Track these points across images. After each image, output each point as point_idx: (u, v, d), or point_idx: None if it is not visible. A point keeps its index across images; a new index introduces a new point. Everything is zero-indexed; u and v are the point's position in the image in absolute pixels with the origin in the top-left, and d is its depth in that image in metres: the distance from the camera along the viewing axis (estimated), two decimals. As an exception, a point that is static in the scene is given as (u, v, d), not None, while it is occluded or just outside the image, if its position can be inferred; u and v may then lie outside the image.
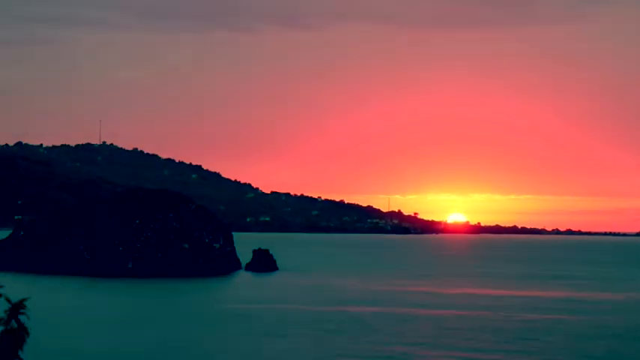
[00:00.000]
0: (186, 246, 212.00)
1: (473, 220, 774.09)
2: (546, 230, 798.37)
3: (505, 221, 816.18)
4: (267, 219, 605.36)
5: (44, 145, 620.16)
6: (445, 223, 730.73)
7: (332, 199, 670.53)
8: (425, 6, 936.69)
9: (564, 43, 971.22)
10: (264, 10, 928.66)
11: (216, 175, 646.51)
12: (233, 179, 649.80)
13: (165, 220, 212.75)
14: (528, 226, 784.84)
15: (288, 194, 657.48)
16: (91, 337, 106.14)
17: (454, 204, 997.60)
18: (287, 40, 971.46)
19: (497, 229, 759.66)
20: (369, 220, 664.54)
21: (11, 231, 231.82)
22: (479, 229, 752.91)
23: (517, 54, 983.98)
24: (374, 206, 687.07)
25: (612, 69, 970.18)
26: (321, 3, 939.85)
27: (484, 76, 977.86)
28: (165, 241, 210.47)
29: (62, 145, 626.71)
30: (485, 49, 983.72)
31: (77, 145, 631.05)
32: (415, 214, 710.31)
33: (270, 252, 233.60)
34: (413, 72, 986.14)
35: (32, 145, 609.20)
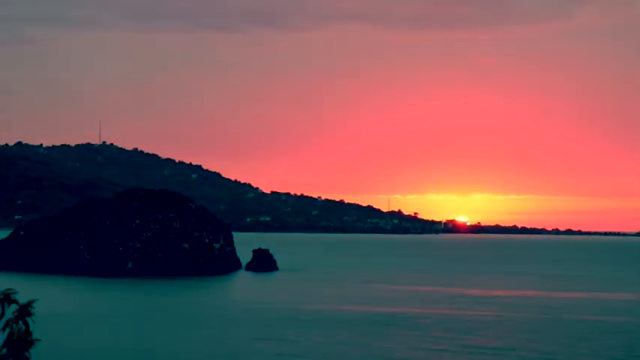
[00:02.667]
0: (186, 246, 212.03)
1: (473, 220, 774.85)
2: (546, 230, 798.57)
3: (505, 221, 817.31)
4: (267, 219, 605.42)
5: (44, 145, 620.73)
6: (445, 223, 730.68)
7: (332, 199, 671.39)
8: (414, 6, 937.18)
9: (561, 42, 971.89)
10: (260, 11, 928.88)
11: (216, 175, 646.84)
12: (233, 179, 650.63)
13: (165, 220, 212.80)
14: (528, 226, 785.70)
15: (288, 194, 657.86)
16: (91, 337, 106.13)
17: (454, 204, 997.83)
18: (287, 41, 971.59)
19: (497, 229, 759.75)
20: (369, 220, 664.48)
21: (11, 231, 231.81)
22: (479, 229, 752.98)
23: (517, 54, 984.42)
24: (374, 206, 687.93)
25: (612, 68, 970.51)
26: (306, 4, 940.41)
27: (483, 76, 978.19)
28: (165, 241, 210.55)
29: (62, 145, 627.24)
30: (487, 48, 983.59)
31: (77, 145, 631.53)
32: (415, 214, 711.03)
33: (270, 252, 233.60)
34: (412, 72, 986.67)
35: (32, 145, 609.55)
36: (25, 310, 19.48)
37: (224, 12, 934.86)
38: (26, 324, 19.80)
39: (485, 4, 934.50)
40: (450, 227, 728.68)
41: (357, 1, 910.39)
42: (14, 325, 19.70)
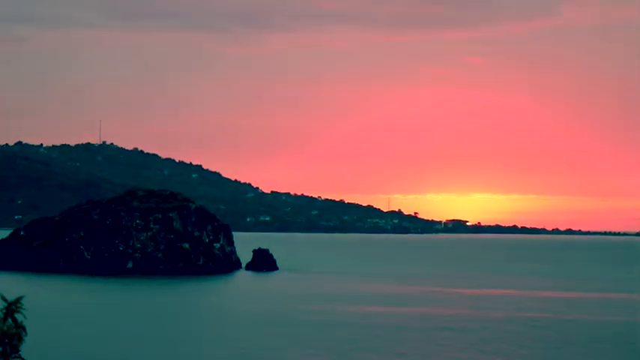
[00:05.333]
0: (186, 246, 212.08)
1: (473, 220, 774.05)
2: (546, 230, 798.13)
3: (505, 221, 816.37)
4: (267, 219, 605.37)
5: (44, 145, 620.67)
6: (445, 223, 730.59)
7: (332, 199, 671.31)
8: (398, 6, 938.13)
9: (548, 41, 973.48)
10: (247, 11, 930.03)
11: (217, 175, 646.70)
12: (233, 179, 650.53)
13: (165, 220, 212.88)
14: (528, 226, 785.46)
15: (288, 194, 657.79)
16: (91, 337, 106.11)
17: (454, 204, 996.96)
18: (281, 41, 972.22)
19: (497, 229, 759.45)
20: (369, 220, 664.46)
21: (11, 231, 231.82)
22: (479, 229, 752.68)
23: (505, 53, 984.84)
24: (374, 206, 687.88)
25: (610, 67, 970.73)
26: (291, 4, 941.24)
27: (474, 76, 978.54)
28: (165, 241, 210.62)
29: (62, 145, 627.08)
30: (475, 47, 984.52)
31: (77, 145, 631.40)
32: (415, 213, 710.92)
33: (270, 252, 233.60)
34: (411, 71, 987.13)
35: (32, 145, 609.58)
36: (12, 307, 19.48)
37: (213, 12, 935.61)
38: (15, 320, 19.81)
39: (467, 3, 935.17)
40: (450, 227, 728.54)
41: (344, 1, 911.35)
42: (2, 322, 19.72)
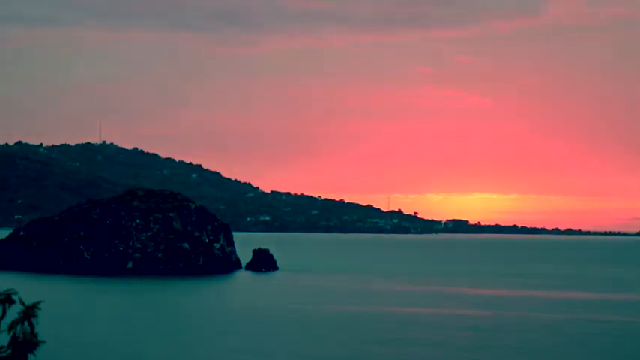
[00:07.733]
0: (186, 246, 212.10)
1: (473, 220, 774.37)
2: (546, 230, 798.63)
3: (505, 221, 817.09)
4: (267, 219, 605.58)
5: (44, 145, 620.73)
6: (445, 223, 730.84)
7: (332, 198, 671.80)
8: (387, 6, 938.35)
9: (534, 40, 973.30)
10: (230, 11, 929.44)
11: (217, 175, 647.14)
12: (233, 179, 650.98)
13: (165, 220, 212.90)
14: (528, 226, 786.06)
15: (288, 194, 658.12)
16: (91, 338, 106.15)
17: (454, 204, 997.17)
18: (285, 42, 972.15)
19: (497, 229, 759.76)
20: (369, 220, 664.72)
21: (11, 231, 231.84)
22: (479, 229, 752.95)
23: (494, 52, 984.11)
24: (374, 206, 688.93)
25: (611, 69, 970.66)
26: (276, 3, 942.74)
27: (467, 76, 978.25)
28: (165, 241, 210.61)
29: (62, 145, 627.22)
30: (462, 47, 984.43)
31: (77, 145, 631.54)
32: (415, 213, 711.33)
33: (270, 252, 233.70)
34: (409, 70, 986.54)
35: (32, 145, 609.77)
36: (30, 312, 19.31)
37: (212, 13, 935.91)
38: (31, 325, 19.64)
39: (455, 3, 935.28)
40: (450, 227, 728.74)
41: (331, 1, 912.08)
42: (19, 326, 19.51)
